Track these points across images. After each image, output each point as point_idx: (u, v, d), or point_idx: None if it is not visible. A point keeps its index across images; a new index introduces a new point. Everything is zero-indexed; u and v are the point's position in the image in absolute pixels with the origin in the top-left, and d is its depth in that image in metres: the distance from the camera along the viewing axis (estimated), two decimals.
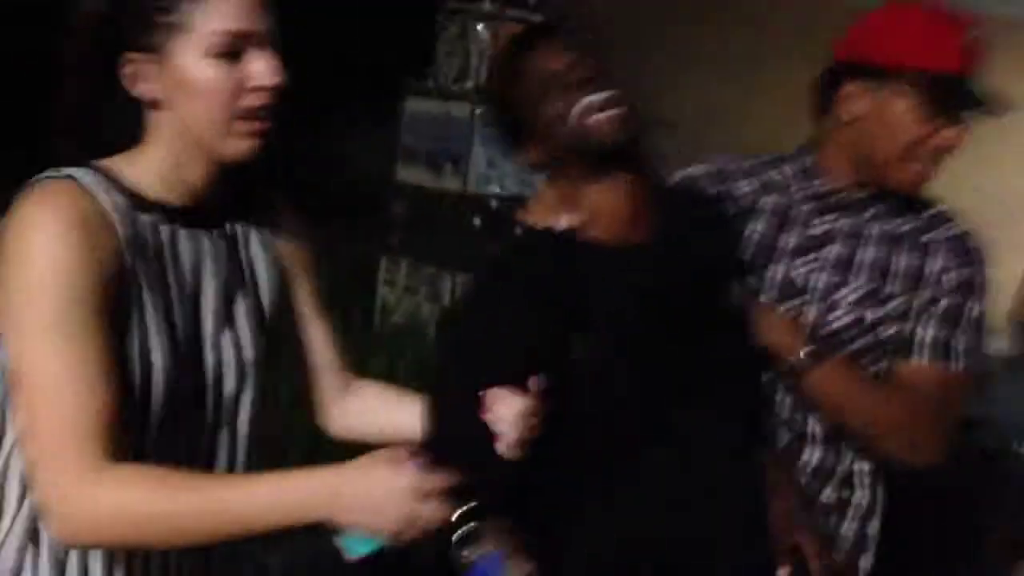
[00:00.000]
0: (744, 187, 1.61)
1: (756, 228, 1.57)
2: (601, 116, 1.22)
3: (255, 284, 1.21)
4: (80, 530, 1.03)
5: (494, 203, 4.41)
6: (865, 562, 1.62)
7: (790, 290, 1.54)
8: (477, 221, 4.36)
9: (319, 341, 1.33)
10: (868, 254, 1.57)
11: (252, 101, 1.08)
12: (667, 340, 1.26)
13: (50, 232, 1.02)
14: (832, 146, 1.57)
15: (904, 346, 1.56)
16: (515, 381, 1.17)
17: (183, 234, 1.12)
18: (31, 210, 1.03)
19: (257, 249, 1.21)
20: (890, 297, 1.56)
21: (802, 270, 1.55)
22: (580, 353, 1.25)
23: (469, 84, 4.44)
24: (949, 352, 1.55)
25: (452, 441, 1.20)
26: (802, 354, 1.48)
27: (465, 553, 1.08)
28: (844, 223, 1.58)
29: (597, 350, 1.25)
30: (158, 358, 1.07)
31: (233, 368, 1.15)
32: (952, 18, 1.52)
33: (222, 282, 1.15)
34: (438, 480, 1.03)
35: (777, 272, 1.55)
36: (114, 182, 1.08)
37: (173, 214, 1.11)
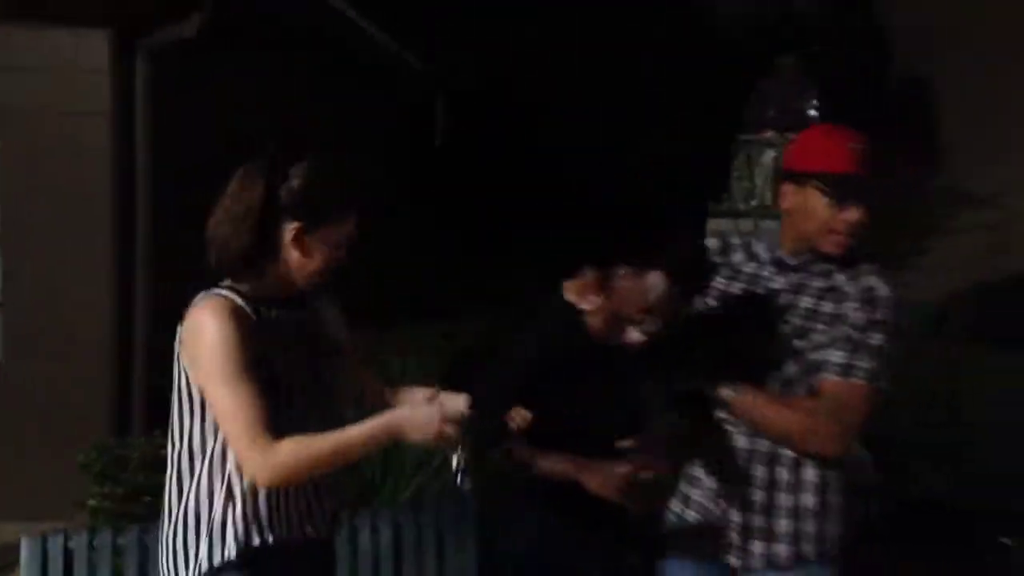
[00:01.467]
0: (738, 257, 2.30)
1: (738, 286, 2.25)
2: None
3: (320, 334, 2.13)
4: (270, 477, 1.92)
5: None
6: (806, 527, 2.19)
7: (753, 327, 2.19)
8: None
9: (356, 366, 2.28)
10: (803, 302, 2.17)
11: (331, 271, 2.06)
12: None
13: (218, 321, 1.94)
14: (784, 227, 2.22)
15: (823, 368, 2.12)
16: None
17: (286, 315, 2.04)
18: (205, 311, 1.97)
19: (322, 317, 2.15)
20: (814, 332, 2.13)
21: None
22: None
23: (754, 203, 5.01)
24: (850, 370, 2.09)
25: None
26: (724, 392, 2.11)
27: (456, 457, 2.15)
28: (792, 279, 2.19)
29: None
30: (271, 386, 2.00)
31: (326, 383, 2.10)
32: (845, 133, 2.15)
33: (311, 338, 2.09)
34: (451, 412, 1.93)
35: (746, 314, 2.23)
36: (239, 293, 1.98)
37: (278, 303, 2.03)
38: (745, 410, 2.14)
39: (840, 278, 2.17)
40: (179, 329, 2.01)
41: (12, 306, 4.95)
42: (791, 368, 2.14)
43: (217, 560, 1.98)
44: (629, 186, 10.90)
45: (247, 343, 1.94)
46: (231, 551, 1.98)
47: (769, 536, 2.19)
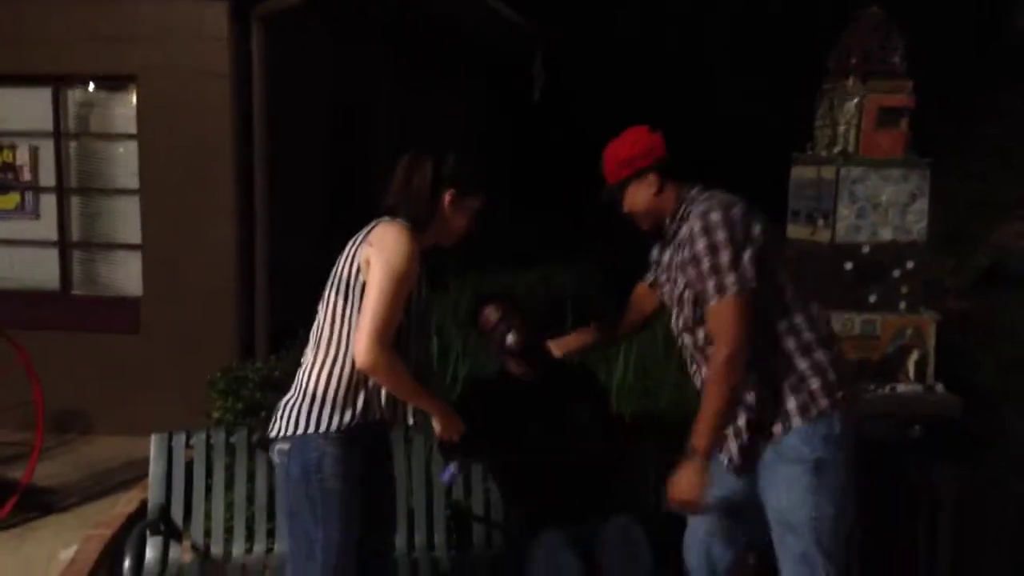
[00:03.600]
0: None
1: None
2: None
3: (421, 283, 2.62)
4: (367, 365, 2.44)
5: (866, 249, 4.90)
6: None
7: (665, 284, 2.80)
8: (848, 266, 4.90)
9: None
10: (672, 259, 2.74)
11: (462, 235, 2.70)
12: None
13: (412, 244, 2.47)
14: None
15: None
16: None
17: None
18: (398, 231, 2.50)
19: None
20: (679, 277, 2.67)
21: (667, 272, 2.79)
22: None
23: (836, 150, 5.05)
24: (705, 295, 2.55)
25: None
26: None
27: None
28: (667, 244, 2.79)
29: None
30: (411, 309, 2.54)
31: (426, 312, 2.68)
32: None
33: (425, 279, 2.63)
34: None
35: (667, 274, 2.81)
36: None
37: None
38: (705, 435, 2.55)
39: (683, 230, 2.67)
40: (358, 238, 2.56)
41: (150, 248, 5.51)
42: (681, 296, 2.68)
43: (324, 428, 2.49)
44: (716, 136, 10.91)
45: (415, 267, 2.49)
46: (340, 421, 2.50)
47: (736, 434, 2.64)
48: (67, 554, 3.79)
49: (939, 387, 4.28)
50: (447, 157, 2.64)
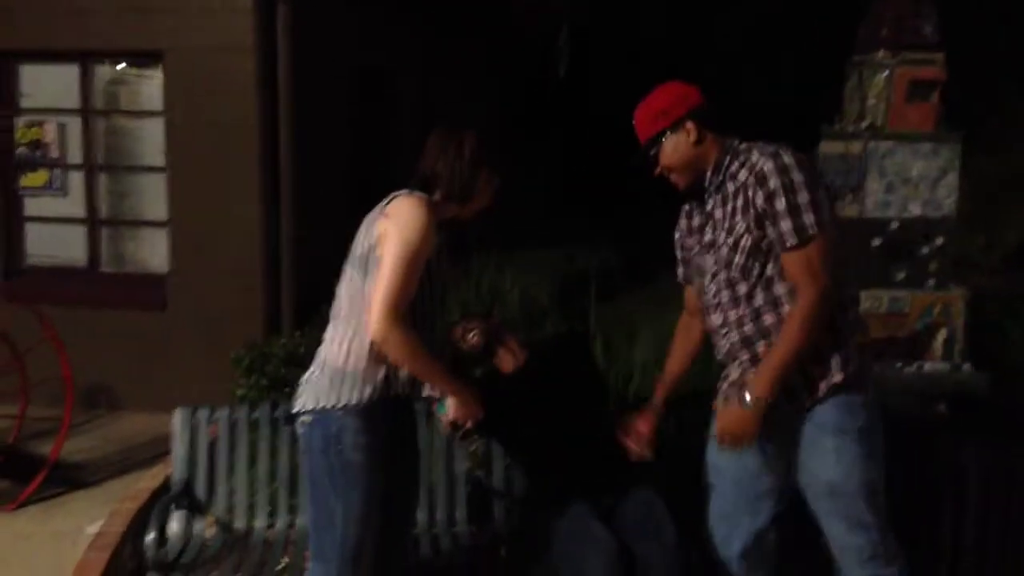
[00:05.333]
0: (698, 199, 2.73)
1: (696, 221, 2.76)
2: None
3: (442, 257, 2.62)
4: (379, 340, 2.43)
5: (895, 224, 4.83)
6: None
7: (706, 246, 2.68)
8: (876, 242, 4.84)
9: None
10: (719, 212, 2.62)
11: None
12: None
13: (427, 217, 2.45)
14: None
15: (769, 247, 2.47)
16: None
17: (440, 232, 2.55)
18: (415, 204, 2.47)
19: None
20: (735, 226, 2.55)
21: (708, 233, 2.68)
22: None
23: (865, 124, 4.97)
24: (784, 238, 2.46)
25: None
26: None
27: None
28: (707, 201, 2.67)
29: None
30: (431, 282, 2.53)
31: (442, 287, 2.66)
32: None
33: (444, 251, 2.61)
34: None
35: (703, 239, 2.71)
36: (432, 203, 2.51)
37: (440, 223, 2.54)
38: (772, 380, 2.48)
39: (736, 178, 2.56)
40: (377, 210, 2.55)
41: (177, 225, 5.54)
42: (731, 257, 2.57)
43: (344, 401, 2.49)
44: (746, 112, 10.77)
45: (431, 239, 2.48)
46: (361, 395, 2.50)
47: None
48: (93, 528, 3.85)
49: (966, 366, 4.21)
50: (483, 135, 2.65)
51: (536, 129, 10.34)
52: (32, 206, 5.87)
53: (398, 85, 7.64)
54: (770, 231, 2.47)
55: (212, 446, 3.45)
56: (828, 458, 2.53)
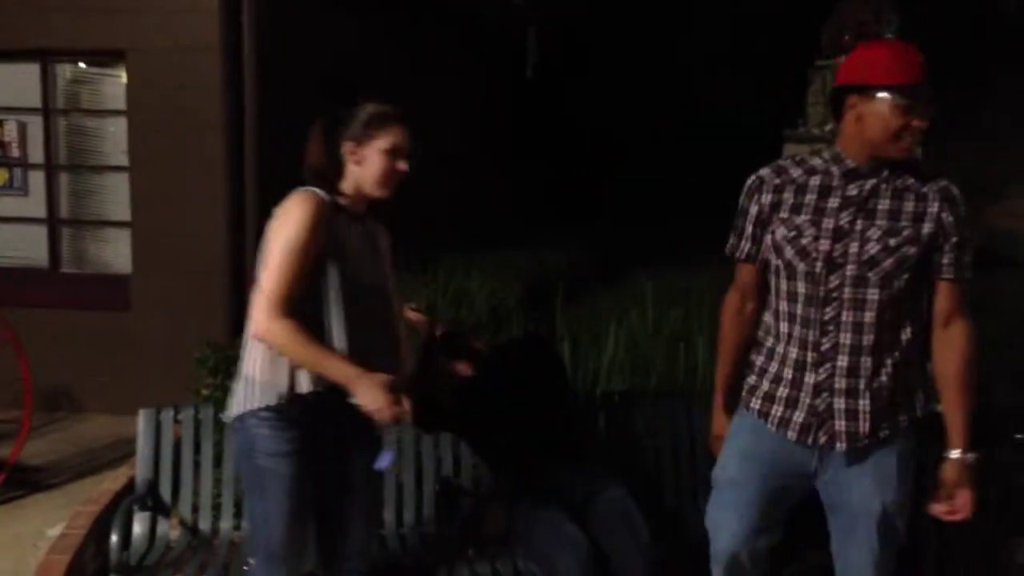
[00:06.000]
0: (795, 173, 2.44)
1: (806, 199, 2.39)
2: None
3: (377, 247, 2.64)
4: (260, 335, 2.41)
5: None
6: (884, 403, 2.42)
7: (839, 234, 2.34)
8: None
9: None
10: (884, 204, 2.34)
11: (394, 178, 2.54)
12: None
13: (302, 209, 2.43)
14: (846, 138, 2.35)
15: (924, 267, 2.33)
16: None
17: (353, 220, 2.55)
18: (297, 199, 2.45)
19: (378, 235, 2.66)
20: (903, 229, 2.31)
21: (846, 219, 2.32)
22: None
23: (828, 128, 5.05)
24: (961, 271, 2.34)
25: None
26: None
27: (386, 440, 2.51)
28: (867, 186, 2.35)
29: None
30: (341, 276, 2.49)
31: (382, 279, 2.62)
32: (906, 47, 2.32)
33: (368, 244, 2.58)
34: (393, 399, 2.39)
35: (829, 223, 2.33)
36: (330, 197, 2.49)
37: (349, 214, 2.52)
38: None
39: (911, 180, 2.35)
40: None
41: (139, 225, 5.48)
42: (887, 262, 2.32)
43: (254, 406, 2.48)
44: (709, 115, 10.91)
45: (316, 231, 2.42)
46: (268, 400, 2.47)
47: (854, 416, 2.39)
48: (55, 531, 3.79)
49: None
50: (337, 111, 2.59)
51: (505, 131, 10.36)
52: None
53: (365, 85, 7.61)
54: (944, 256, 2.36)
55: (177, 446, 3.41)
56: (892, 480, 2.45)
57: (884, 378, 2.38)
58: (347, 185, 2.58)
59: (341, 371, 2.42)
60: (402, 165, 2.57)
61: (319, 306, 2.48)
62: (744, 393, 2.57)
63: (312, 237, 2.42)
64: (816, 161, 2.43)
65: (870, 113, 2.26)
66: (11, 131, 5.67)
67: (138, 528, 3.29)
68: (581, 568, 2.78)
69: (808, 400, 2.41)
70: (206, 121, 5.25)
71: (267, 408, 2.48)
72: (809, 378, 2.41)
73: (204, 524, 3.37)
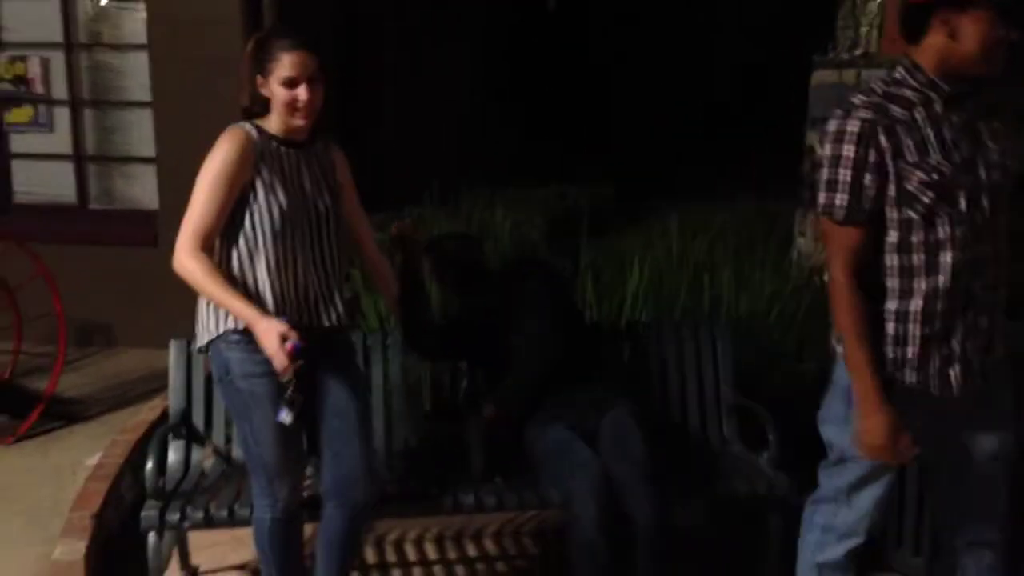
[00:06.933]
0: (895, 111, 2.18)
1: (922, 135, 2.17)
2: None
3: (323, 175, 2.68)
4: (176, 268, 2.48)
5: None
6: None
7: (968, 166, 2.19)
8: None
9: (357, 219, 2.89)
10: (987, 126, 2.25)
11: (298, 107, 2.55)
12: None
13: (227, 143, 2.49)
14: (934, 58, 2.18)
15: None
16: None
17: (290, 151, 2.61)
18: (225, 135, 2.51)
19: (325, 160, 2.71)
20: (1007, 149, 2.23)
21: (966, 149, 2.20)
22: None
23: (858, 52, 4.94)
24: None
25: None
26: None
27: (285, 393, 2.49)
28: (969, 108, 2.22)
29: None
30: (270, 206, 2.52)
31: (323, 209, 2.65)
32: None
33: (310, 173, 2.65)
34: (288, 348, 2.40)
35: (955, 156, 2.19)
36: (259, 128, 2.55)
37: (284, 142, 2.57)
38: None
39: (996, 99, 2.26)
40: None
41: (164, 161, 5.48)
42: (1008, 185, 2.23)
43: (222, 328, 2.57)
44: (736, 42, 10.69)
45: (239, 165, 2.49)
46: (233, 322, 2.55)
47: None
48: (92, 460, 3.89)
49: None
50: (256, 39, 2.64)
51: (527, 64, 10.23)
52: (18, 143, 5.80)
53: (383, 24, 7.54)
54: None
55: (208, 377, 3.46)
56: (1011, 412, 2.42)
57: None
58: (273, 117, 2.61)
59: (242, 312, 2.46)
60: (302, 93, 2.55)
61: (248, 238, 2.53)
62: (888, 368, 2.27)
63: (234, 170, 2.48)
64: (906, 92, 2.20)
65: (967, 27, 2.12)
66: (34, 67, 5.66)
67: (173, 456, 3.37)
68: (594, 490, 2.83)
69: (970, 346, 2.25)
70: (227, 56, 5.18)
71: (234, 331, 2.55)
72: (961, 325, 2.23)
73: (237, 452, 3.44)
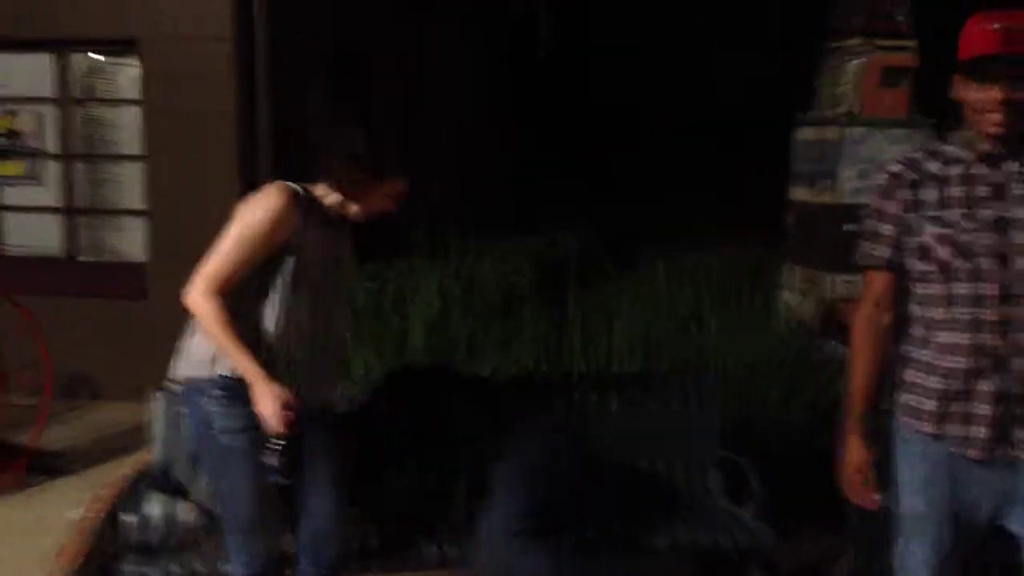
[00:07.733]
0: (932, 166, 2.20)
1: (952, 191, 2.17)
2: None
3: (340, 254, 2.71)
4: (189, 304, 2.48)
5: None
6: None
7: (1001, 224, 2.14)
8: (850, 228, 4.90)
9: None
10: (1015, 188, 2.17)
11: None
12: None
13: (272, 197, 2.47)
14: (967, 121, 2.18)
15: None
16: None
17: (324, 227, 2.60)
18: (272, 190, 2.48)
19: (344, 242, 2.72)
20: None
21: (999, 208, 2.16)
22: None
23: (841, 110, 5.03)
24: None
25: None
26: None
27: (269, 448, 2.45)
28: (1004, 169, 2.16)
29: None
30: (290, 271, 2.53)
31: (336, 283, 2.68)
32: (987, 16, 2.11)
33: (331, 249, 2.66)
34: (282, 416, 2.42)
35: (986, 215, 2.15)
36: (307, 192, 2.56)
37: (323, 217, 2.61)
38: None
39: None
40: None
41: (155, 214, 5.53)
42: None
43: (210, 373, 2.54)
44: (721, 99, 10.84)
45: (279, 225, 2.47)
46: (218, 370, 2.53)
47: None
48: (75, 514, 3.85)
49: None
50: (345, 134, 2.69)
51: (519, 113, 10.35)
52: (9, 195, 5.84)
53: (377, 68, 7.64)
54: None
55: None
56: None
57: None
58: (334, 195, 2.62)
59: (246, 367, 2.45)
60: (392, 205, 2.65)
61: (264, 295, 2.53)
62: (903, 416, 2.29)
63: (273, 230, 2.46)
64: (949, 148, 2.23)
65: (960, 92, 2.16)
66: (27, 121, 5.72)
67: (156, 510, 3.34)
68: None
69: (989, 411, 2.16)
70: (220, 110, 5.27)
71: (219, 386, 2.52)
72: (985, 386, 2.15)
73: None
